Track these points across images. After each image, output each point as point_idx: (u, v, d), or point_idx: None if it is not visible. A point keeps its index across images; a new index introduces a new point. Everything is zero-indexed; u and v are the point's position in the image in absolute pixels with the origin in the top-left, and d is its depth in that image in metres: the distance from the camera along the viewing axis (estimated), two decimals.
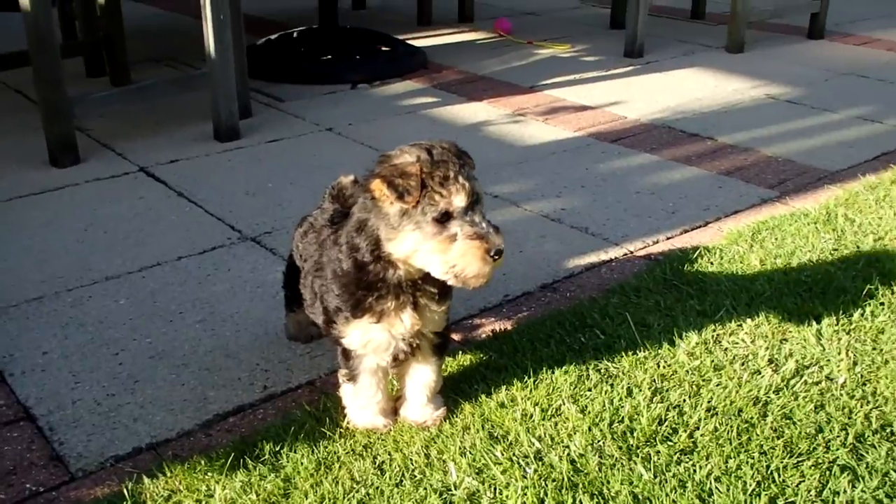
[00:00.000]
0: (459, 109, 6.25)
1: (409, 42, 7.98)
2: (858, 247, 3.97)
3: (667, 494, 2.49)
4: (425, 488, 2.54)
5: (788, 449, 2.67)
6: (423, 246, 2.42)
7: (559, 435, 2.74)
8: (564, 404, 2.88)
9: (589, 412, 2.84)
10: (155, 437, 2.84)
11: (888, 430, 2.77)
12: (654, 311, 3.46)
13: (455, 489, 2.53)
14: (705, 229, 4.30)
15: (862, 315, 3.41)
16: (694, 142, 5.58)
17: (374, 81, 6.98)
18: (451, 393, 2.96)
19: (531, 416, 2.82)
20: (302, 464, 2.64)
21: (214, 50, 5.35)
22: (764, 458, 2.63)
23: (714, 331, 3.31)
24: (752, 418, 2.80)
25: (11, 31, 7.60)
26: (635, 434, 2.73)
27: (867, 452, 2.66)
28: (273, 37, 7.74)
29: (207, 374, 3.18)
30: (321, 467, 2.63)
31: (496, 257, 2.40)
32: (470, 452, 2.67)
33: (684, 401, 2.89)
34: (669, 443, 2.70)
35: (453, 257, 2.39)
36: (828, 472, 2.58)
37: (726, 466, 2.60)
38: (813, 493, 2.51)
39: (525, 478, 2.55)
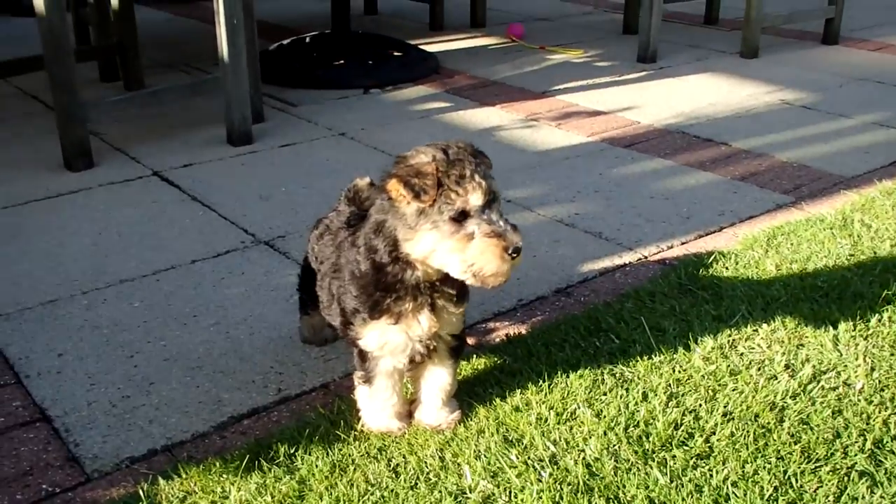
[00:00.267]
0: (472, 114, 6.24)
1: (422, 47, 7.97)
2: (875, 252, 3.95)
3: (683, 499, 2.48)
4: (440, 491, 2.53)
5: (806, 454, 2.65)
6: (441, 245, 2.41)
7: (574, 439, 2.73)
8: (579, 408, 2.87)
9: (604, 416, 2.83)
10: (170, 439, 2.84)
11: None
12: (669, 315, 3.45)
13: (470, 492, 2.52)
14: (720, 234, 4.29)
15: (879, 321, 3.39)
16: (708, 147, 5.57)
17: (387, 86, 6.98)
18: (466, 396, 2.95)
19: (546, 419, 2.81)
20: (317, 466, 2.63)
21: (227, 54, 5.35)
22: (781, 463, 2.62)
23: (730, 336, 3.30)
24: (768, 423, 2.79)
25: (26, 36, 7.65)
26: (651, 438, 2.72)
27: (885, 458, 2.65)
28: (285, 42, 7.74)
29: (222, 377, 3.17)
30: (336, 469, 2.63)
31: (514, 255, 2.39)
32: (485, 456, 2.66)
33: (700, 405, 2.88)
34: (685, 447, 2.69)
35: (471, 256, 2.38)
36: (846, 478, 2.57)
37: (743, 471, 2.58)
38: (831, 498, 2.49)
39: (540, 481, 2.54)
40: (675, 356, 3.17)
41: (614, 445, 2.69)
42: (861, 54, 8.20)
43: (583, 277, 3.89)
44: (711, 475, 2.56)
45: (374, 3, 10.20)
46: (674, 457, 2.64)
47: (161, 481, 2.60)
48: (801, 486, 2.53)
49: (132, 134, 5.76)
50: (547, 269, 3.95)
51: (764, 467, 2.60)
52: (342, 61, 7.31)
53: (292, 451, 2.70)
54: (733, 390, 2.96)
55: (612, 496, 2.50)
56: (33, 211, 4.57)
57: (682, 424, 2.78)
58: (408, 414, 2.88)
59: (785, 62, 7.82)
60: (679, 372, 3.07)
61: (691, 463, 2.62)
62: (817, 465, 2.61)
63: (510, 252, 2.38)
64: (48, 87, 5.02)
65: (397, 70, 7.28)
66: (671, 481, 2.54)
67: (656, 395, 2.93)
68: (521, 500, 2.49)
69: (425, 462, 2.65)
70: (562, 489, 2.51)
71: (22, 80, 6.76)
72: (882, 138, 5.72)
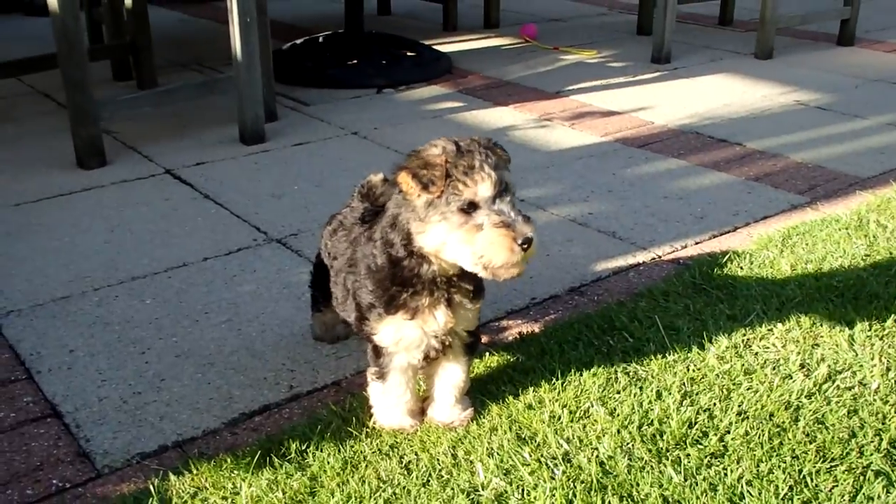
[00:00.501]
0: (485, 114, 6.23)
1: (435, 47, 7.96)
2: (891, 252, 3.93)
3: (697, 497, 2.46)
4: (452, 488, 2.51)
5: (821, 453, 2.64)
6: (451, 237, 2.39)
7: (588, 437, 2.71)
8: (593, 406, 2.85)
9: (618, 415, 2.81)
10: (181, 435, 2.83)
11: None
12: (683, 314, 3.44)
13: (482, 490, 2.51)
14: (734, 234, 4.27)
15: (895, 321, 3.37)
16: (722, 147, 5.55)
17: (400, 86, 6.97)
18: (479, 394, 2.94)
19: (559, 417, 2.80)
20: (328, 463, 2.62)
21: (241, 53, 5.34)
22: (796, 462, 2.60)
23: (744, 335, 3.28)
24: (783, 422, 2.77)
25: (39, 35, 7.66)
26: (665, 437, 2.70)
27: None
28: (298, 41, 7.74)
29: (233, 374, 3.16)
30: (347, 466, 2.61)
31: (525, 246, 2.35)
32: (497, 453, 2.65)
33: (714, 404, 2.86)
34: (700, 446, 2.67)
35: (480, 247, 2.35)
36: (861, 477, 2.55)
37: (758, 470, 2.57)
38: (847, 497, 2.47)
39: (553, 479, 2.53)
40: (689, 355, 3.15)
41: (628, 444, 2.68)
42: (876, 55, 8.17)
43: (596, 276, 3.87)
44: (726, 474, 2.55)
45: (388, 4, 10.20)
46: (688, 455, 2.62)
47: (172, 477, 2.59)
48: (817, 486, 2.51)
49: (145, 132, 5.76)
50: (560, 268, 3.93)
51: (779, 466, 2.58)
52: (355, 61, 7.31)
53: (304, 448, 2.69)
54: (748, 389, 2.94)
55: (625, 494, 2.48)
56: (46, 208, 4.56)
57: (696, 423, 2.76)
58: (420, 411, 2.86)
59: (800, 63, 7.79)
60: (693, 371, 3.06)
61: (706, 462, 2.60)
62: (833, 464, 2.60)
63: (520, 243, 2.35)
64: (61, 86, 5.02)
65: (410, 70, 7.27)
66: (685, 480, 2.52)
67: (670, 393, 2.91)
68: (534, 497, 2.47)
69: (438, 459, 2.64)
70: (575, 487, 2.50)
71: (35, 78, 6.77)
72: None
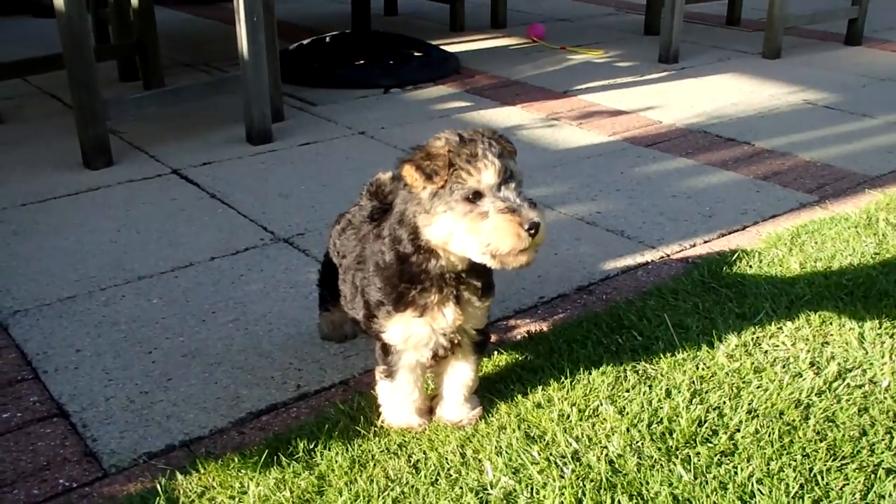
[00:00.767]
0: (493, 114, 6.22)
1: (442, 47, 7.96)
2: None
3: (707, 496, 2.45)
4: (461, 487, 2.50)
5: (832, 452, 2.62)
6: (456, 227, 2.36)
7: (597, 435, 2.70)
8: (602, 405, 2.84)
9: (627, 413, 2.80)
10: (188, 435, 2.82)
11: None
12: (692, 313, 3.42)
13: (491, 488, 2.50)
14: (743, 233, 4.25)
15: None
16: (730, 146, 5.53)
17: (407, 86, 6.97)
18: (487, 393, 2.92)
19: (568, 416, 2.79)
20: (336, 462, 2.61)
21: (247, 52, 5.33)
22: (807, 460, 2.59)
23: (754, 333, 3.27)
24: (793, 421, 2.76)
25: (46, 36, 7.66)
26: (674, 435, 2.69)
27: None
28: (305, 41, 7.74)
29: (240, 373, 3.15)
30: (355, 465, 2.60)
31: (531, 231, 2.31)
32: (506, 452, 2.63)
33: (724, 402, 2.85)
34: (709, 444, 2.65)
35: (487, 235, 2.32)
36: (872, 476, 2.53)
37: (768, 468, 2.55)
38: (857, 496, 2.46)
39: (562, 478, 2.52)
40: (698, 353, 3.13)
41: (637, 442, 2.66)
42: (884, 55, 8.16)
43: (605, 275, 3.85)
44: (736, 472, 2.53)
45: (395, 4, 10.20)
46: (698, 454, 2.61)
47: (179, 476, 2.58)
48: (828, 484, 2.49)
49: (151, 132, 5.76)
50: (568, 267, 3.92)
51: (789, 465, 2.56)
52: (362, 61, 7.31)
53: (311, 447, 2.68)
54: (758, 387, 2.93)
55: (635, 493, 2.47)
56: (52, 208, 4.56)
57: (706, 421, 2.75)
58: (429, 410, 2.85)
59: (808, 63, 7.78)
60: (702, 369, 3.04)
61: (715, 460, 2.58)
62: (843, 462, 2.58)
63: (527, 228, 2.31)
64: (68, 86, 5.01)
65: (418, 70, 7.26)
66: (695, 478, 2.51)
67: (680, 391, 2.90)
68: (543, 496, 2.46)
69: (446, 458, 2.63)
70: (584, 486, 2.48)
71: (42, 79, 6.78)
72: None
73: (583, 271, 3.89)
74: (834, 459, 2.59)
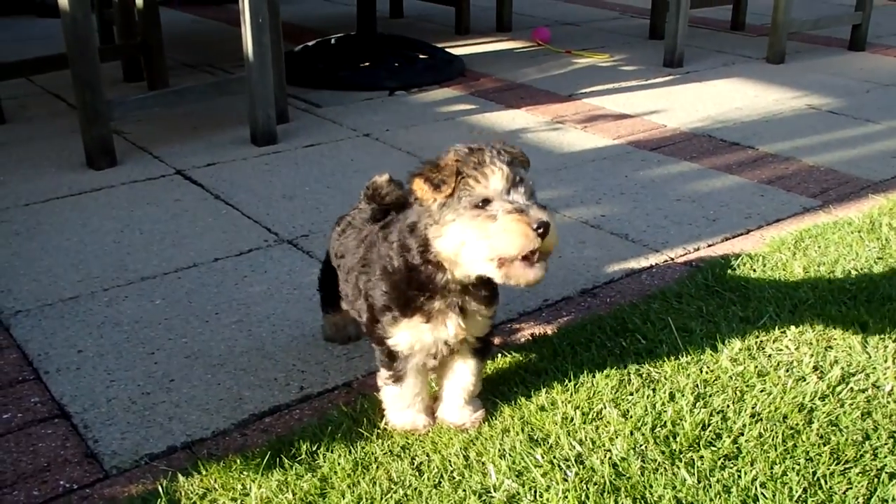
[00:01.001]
0: (497, 116, 6.22)
1: (447, 50, 7.95)
2: None
3: (711, 499, 2.44)
4: (464, 490, 2.50)
5: (835, 456, 2.61)
6: (467, 235, 2.34)
7: (600, 439, 2.69)
8: (606, 408, 2.83)
9: (631, 416, 2.79)
10: (190, 436, 2.81)
11: None
12: (696, 316, 3.42)
13: (494, 491, 2.49)
14: (747, 237, 4.25)
15: None
16: (734, 151, 5.53)
17: (412, 88, 6.97)
18: (491, 395, 2.92)
19: (572, 419, 2.78)
20: (339, 464, 2.60)
21: (252, 53, 5.33)
22: (810, 464, 2.58)
23: (757, 337, 3.26)
24: (797, 424, 2.75)
25: (51, 36, 7.67)
26: (678, 439, 2.68)
27: None
28: (310, 43, 7.74)
29: (243, 375, 3.15)
30: (358, 467, 2.60)
31: (540, 230, 2.28)
32: (510, 455, 2.63)
33: (728, 406, 2.84)
34: (713, 448, 2.65)
35: (495, 237, 2.30)
36: (876, 479, 2.53)
37: (772, 472, 2.54)
38: (861, 500, 2.45)
39: (566, 481, 2.51)
40: (702, 357, 3.13)
41: (641, 445, 2.65)
42: (888, 60, 8.15)
43: (609, 278, 3.85)
44: (740, 476, 2.52)
45: (400, 7, 10.19)
46: (701, 457, 2.60)
47: (181, 478, 2.57)
48: (831, 488, 2.49)
49: (155, 133, 5.76)
50: (573, 270, 3.91)
51: (793, 468, 2.56)
52: (367, 63, 7.30)
53: (314, 449, 2.67)
54: (761, 391, 2.92)
55: (638, 496, 2.46)
56: (55, 208, 4.55)
57: (709, 425, 2.74)
58: (431, 411, 2.83)
59: (811, 68, 7.78)
60: (706, 373, 3.04)
61: (719, 463, 2.58)
62: (847, 466, 2.57)
63: (535, 227, 2.28)
64: (72, 86, 5.01)
65: (423, 72, 7.26)
66: (699, 482, 2.50)
67: (683, 395, 2.89)
68: (547, 499, 2.45)
69: (449, 461, 2.62)
70: (588, 489, 2.48)
71: (46, 79, 6.78)
72: None
73: (587, 274, 3.89)
74: (837, 463, 2.58)
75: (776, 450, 2.63)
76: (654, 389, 2.93)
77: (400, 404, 2.75)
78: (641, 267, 3.96)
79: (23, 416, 2.91)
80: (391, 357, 2.67)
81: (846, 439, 2.69)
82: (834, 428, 2.74)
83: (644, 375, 3.02)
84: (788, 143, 5.65)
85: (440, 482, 2.53)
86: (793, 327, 3.32)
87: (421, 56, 7.59)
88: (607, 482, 2.50)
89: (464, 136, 5.62)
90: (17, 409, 2.94)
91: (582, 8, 10.96)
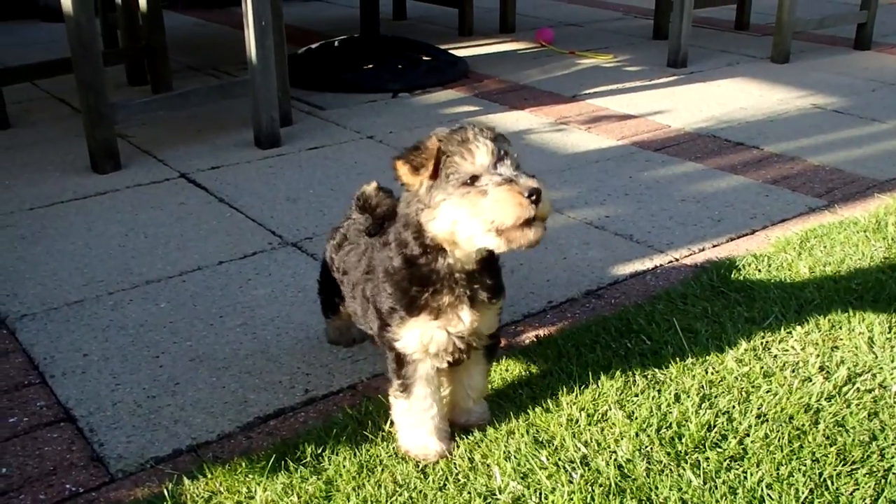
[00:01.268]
0: (501, 118, 6.21)
1: (451, 52, 7.95)
2: None
3: (717, 501, 2.44)
4: (469, 492, 2.49)
5: (842, 456, 2.61)
6: (459, 213, 2.33)
7: (606, 440, 2.69)
8: (611, 410, 2.83)
9: (636, 418, 2.79)
10: (195, 439, 2.82)
11: None
12: (701, 317, 3.41)
13: (500, 493, 2.49)
14: (752, 237, 4.24)
15: None
16: (739, 151, 5.52)
17: (416, 90, 6.97)
18: (496, 397, 2.92)
19: (577, 420, 2.77)
20: (344, 466, 2.60)
21: (256, 56, 5.33)
22: (816, 465, 2.57)
23: (763, 338, 3.25)
24: (803, 425, 2.74)
25: (55, 41, 7.67)
26: (684, 440, 2.68)
27: None
28: (314, 46, 7.75)
29: (248, 378, 3.14)
30: (363, 470, 2.59)
31: (533, 198, 2.27)
32: (515, 457, 2.62)
33: (733, 407, 2.84)
34: (719, 449, 2.64)
35: (489, 211, 2.29)
36: (883, 480, 2.52)
37: (778, 473, 2.54)
38: (867, 501, 2.45)
39: (571, 482, 2.50)
40: (707, 358, 3.12)
41: (646, 447, 2.65)
42: (893, 59, 8.14)
43: (613, 279, 3.84)
44: (745, 477, 2.52)
45: (403, 8, 10.19)
46: (707, 458, 2.59)
47: (186, 481, 2.58)
48: (838, 489, 2.48)
49: (159, 136, 5.76)
50: (577, 272, 3.91)
51: (799, 469, 2.55)
52: (371, 65, 7.31)
53: (319, 452, 2.67)
54: (767, 392, 2.92)
55: (644, 498, 2.46)
56: (60, 212, 4.56)
57: (715, 426, 2.74)
58: (449, 436, 2.74)
59: (816, 67, 7.77)
60: (712, 373, 3.03)
61: (725, 465, 2.57)
62: (853, 467, 2.57)
63: (527, 195, 2.27)
64: (76, 90, 5.01)
65: (426, 74, 7.26)
66: (704, 483, 2.50)
67: (689, 396, 2.88)
68: (552, 501, 2.45)
69: (454, 463, 2.62)
70: (593, 490, 2.47)
71: (50, 83, 6.80)
72: None
73: (591, 275, 3.88)
74: (844, 464, 2.58)
75: (782, 451, 2.62)
76: (659, 391, 2.93)
77: (409, 421, 2.68)
78: (646, 268, 3.95)
79: (29, 420, 2.91)
80: (399, 363, 2.62)
81: (853, 440, 2.68)
82: (840, 428, 2.74)
83: (649, 377, 3.01)
84: (793, 143, 5.64)
85: (445, 484, 2.53)
86: (798, 328, 3.31)
87: (424, 58, 7.59)
88: (613, 484, 2.50)
89: None
90: (22, 413, 2.94)
91: (585, 9, 10.96)
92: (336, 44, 7.74)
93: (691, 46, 7.90)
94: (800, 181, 4.98)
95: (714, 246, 4.15)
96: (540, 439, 2.70)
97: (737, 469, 2.56)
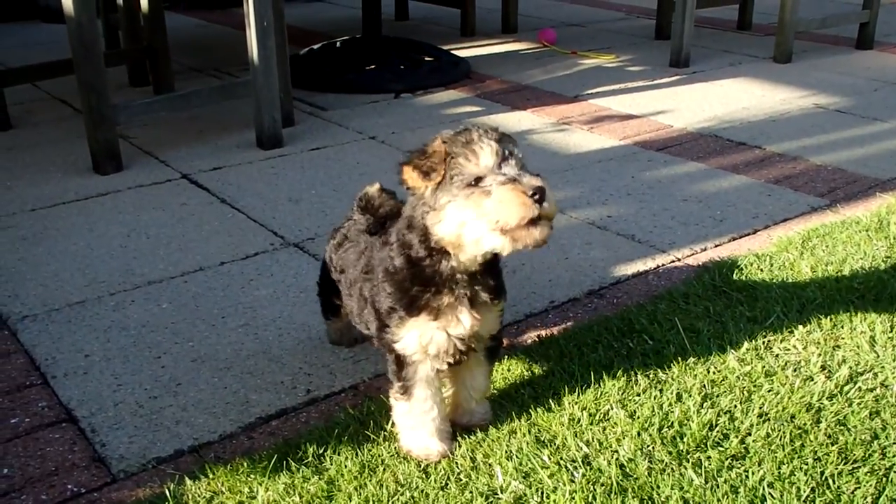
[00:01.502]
0: (503, 118, 6.21)
1: (453, 52, 7.95)
2: None
3: (718, 500, 2.44)
4: (471, 492, 2.49)
5: (843, 455, 2.61)
6: (465, 214, 2.32)
7: (607, 440, 2.68)
8: (612, 409, 2.82)
9: (638, 417, 2.78)
10: (197, 440, 2.81)
11: None
12: (703, 317, 3.41)
13: (501, 493, 2.49)
14: (754, 237, 4.24)
15: None
16: (741, 150, 5.52)
17: (418, 91, 6.96)
18: (497, 397, 2.92)
19: (579, 420, 2.77)
20: (346, 466, 2.60)
21: (258, 56, 5.33)
22: (818, 464, 2.57)
23: (765, 337, 3.25)
24: (805, 424, 2.74)
25: (57, 42, 7.67)
26: (685, 439, 2.67)
27: None
28: (316, 47, 7.75)
29: (250, 378, 3.14)
30: (365, 470, 2.59)
31: (536, 196, 2.26)
32: (516, 456, 2.62)
33: (735, 406, 2.84)
34: (720, 448, 2.64)
35: (493, 211, 2.28)
36: (884, 479, 2.52)
37: (779, 472, 2.54)
38: (869, 499, 2.44)
39: (573, 482, 2.50)
40: (709, 357, 3.12)
41: (648, 446, 2.65)
42: (895, 59, 8.13)
43: (615, 279, 3.84)
44: (747, 476, 2.52)
45: (406, 9, 10.19)
46: (709, 457, 2.59)
47: (188, 481, 2.57)
48: (839, 488, 2.48)
49: (161, 137, 5.76)
50: (579, 272, 3.91)
51: (801, 468, 2.55)
52: (373, 66, 7.31)
53: (321, 452, 2.67)
54: (769, 391, 2.91)
55: (646, 497, 2.45)
56: (62, 213, 4.56)
57: (716, 425, 2.73)
58: (450, 436, 2.74)
59: (819, 67, 7.76)
60: (713, 373, 3.03)
61: (726, 464, 2.57)
62: (855, 466, 2.57)
63: (531, 194, 2.26)
64: (78, 91, 5.01)
65: (428, 75, 7.25)
66: (706, 482, 2.50)
67: (690, 395, 2.88)
68: (554, 500, 2.44)
69: (456, 462, 2.62)
70: (595, 490, 2.47)
71: (51, 84, 6.80)
72: None
73: (594, 275, 3.88)
74: (845, 463, 2.57)
75: (784, 450, 2.62)
76: (661, 390, 2.92)
77: (410, 422, 2.67)
78: (648, 268, 3.95)
79: (30, 421, 2.91)
80: (399, 365, 2.61)
81: (854, 439, 2.68)
82: (842, 427, 2.74)
83: (651, 376, 3.01)
84: (796, 143, 5.64)
85: (447, 484, 2.53)
86: (800, 327, 3.31)
87: (426, 58, 7.59)
88: (614, 483, 2.49)
89: None
90: (24, 414, 2.94)
91: (587, 9, 10.96)
92: (338, 44, 7.74)
93: (693, 46, 7.90)
94: (802, 181, 4.98)
95: (716, 245, 4.15)
96: (542, 439, 2.70)
97: (738, 468, 2.56)
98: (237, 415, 2.94)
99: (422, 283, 2.48)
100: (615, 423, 2.76)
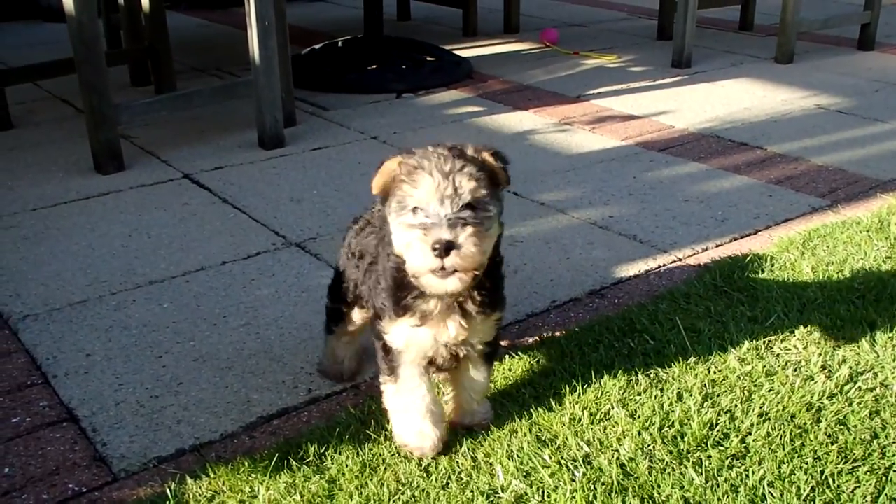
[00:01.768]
0: (505, 118, 6.21)
1: (455, 52, 7.95)
2: None
3: (719, 499, 2.44)
4: (472, 491, 2.49)
5: (843, 454, 2.61)
6: (398, 240, 2.33)
7: (608, 439, 2.69)
8: (613, 408, 2.83)
9: (638, 416, 2.79)
10: (198, 439, 2.82)
11: None
12: (704, 317, 3.41)
13: (502, 492, 2.49)
14: (755, 237, 4.24)
15: None
16: (743, 151, 5.52)
17: (420, 91, 6.96)
18: (498, 397, 2.92)
19: (579, 419, 2.78)
20: (347, 465, 2.60)
21: (259, 56, 5.33)
22: (818, 463, 2.57)
23: (765, 337, 3.25)
24: (805, 424, 2.74)
25: (58, 41, 7.68)
26: (686, 438, 2.68)
27: None
28: (318, 46, 7.75)
29: (251, 377, 3.15)
30: (366, 469, 2.60)
31: (437, 251, 2.20)
32: (517, 455, 2.62)
33: (736, 406, 2.84)
34: (721, 447, 2.64)
35: (401, 250, 2.29)
36: (884, 478, 2.52)
37: (779, 471, 2.54)
38: (869, 499, 2.45)
39: (573, 481, 2.51)
40: (710, 357, 3.12)
41: (649, 445, 2.65)
42: None
43: (617, 279, 3.85)
44: (747, 475, 2.52)
45: (408, 9, 10.19)
46: (709, 457, 2.59)
47: (189, 481, 2.58)
48: (839, 487, 2.48)
49: (163, 137, 5.76)
50: (581, 271, 3.91)
51: (801, 467, 2.55)
52: (375, 66, 7.31)
53: (322, 451, 2.67)
54: (769, 391, 2.92)
55: (646, 496, 2.46)
56: (63, 213, 4.56)
57: (717, 425, 2.74)
58: (441, 419, 2.70)
59: (820, 67, 7.76)
60: (714, 372, 3.03)
61: (727, 463, 2.57)
62: (855, 465, 2.57)
63: (432, 245, 2.20)
64: (79, 91, 5.01)
65: (430, 75, 7.25)
66: (706, 481, 2.50)
67: (691, 395, 2.89)
68: (555, 499, 2.45)
69: (457, 462, 2.62)
70: (595, 489, 2.47)
71: (53, 83, 6.80)
72: None
73: (595, 275, 3.88)
74: (845, 462, 2.58)
75: (784, 449, 2.63)
76: (661, 389, 2.93)
77: (400, 404, 2.65)
78: (649, 268, 3.95)
79: (31, 420, 2.91)
80: (386, 350, 2.62)
81: (854, 438, 2.68)
82: (842, 427, 2.74)
83: (652, 376, 3.02)
84: (797, 143, 5.64)
85: (448, 483, 2.53)
86: (801, 327, 3.31)
87: (428, 58, 7.59)
88: (615, 482, 2.50)
89: (471, 138, 5.60)
90: (25, 413, 2.95)
91: (589, 9, 10.96)
92: (340, 44, 7.74)
93: (695, 47, 7.90)
94: (803, 181, 4.98)
95: (717, 246, 4.15)
96: (542, 438, 2.70)
97: (739, 467, 2.56)
98: (238, 414, 2.94)
99: (406, 287, 2.47)
100: (616, 423, 2.76)
